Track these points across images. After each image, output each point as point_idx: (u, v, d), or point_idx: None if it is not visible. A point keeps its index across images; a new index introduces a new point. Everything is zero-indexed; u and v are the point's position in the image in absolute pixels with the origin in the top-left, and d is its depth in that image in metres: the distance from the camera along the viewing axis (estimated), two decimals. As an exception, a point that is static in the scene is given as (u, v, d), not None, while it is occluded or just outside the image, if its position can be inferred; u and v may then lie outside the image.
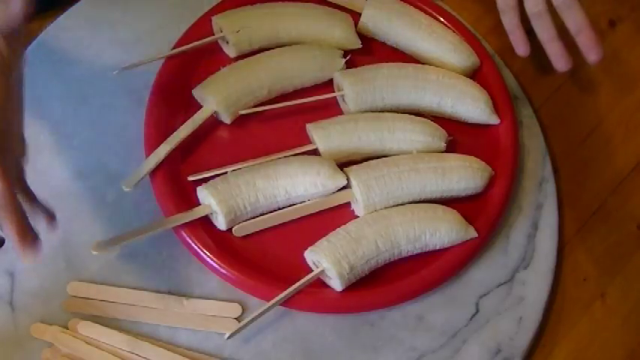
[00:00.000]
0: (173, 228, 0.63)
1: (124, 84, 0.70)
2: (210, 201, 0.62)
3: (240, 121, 0.69)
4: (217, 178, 0.64)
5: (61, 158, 0.62)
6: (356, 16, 0.75)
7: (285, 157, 0.66)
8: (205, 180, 0.64)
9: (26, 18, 0.50)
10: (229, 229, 0.64)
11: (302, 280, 0.61)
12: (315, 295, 0.62)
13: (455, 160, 0.67)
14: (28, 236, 0.50)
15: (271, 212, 0.65)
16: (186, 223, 0.63)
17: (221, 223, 0.63)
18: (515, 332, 0.64)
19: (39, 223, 0.51)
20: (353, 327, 0.63)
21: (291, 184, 0.64)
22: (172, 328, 0.61)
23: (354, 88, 0.69)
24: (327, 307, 0.63)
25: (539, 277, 0.67)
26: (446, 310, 0.64)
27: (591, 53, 0.66)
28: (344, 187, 0.66)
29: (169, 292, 0.62)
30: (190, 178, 0.65)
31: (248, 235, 0.64)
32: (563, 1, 0.66)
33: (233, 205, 0.62)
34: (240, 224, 0.64)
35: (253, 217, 0.64)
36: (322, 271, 0.61)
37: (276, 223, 0.65)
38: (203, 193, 0.63)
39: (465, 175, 0.66)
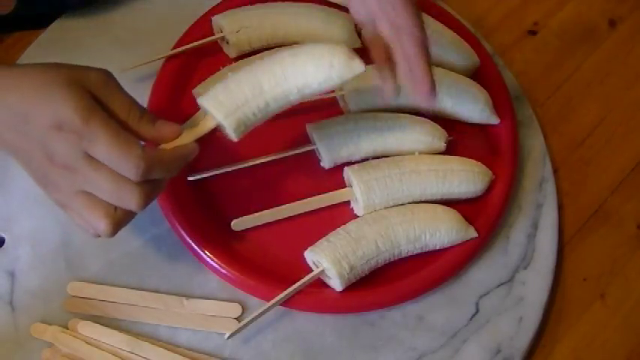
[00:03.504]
0: (173, 227, 0.63)
1: (125, 84, 0.70)
2: (216, 114, 0.56)
3: (240, 121, 0.69)
4: (217, 86, 0.57)
5: (61, 158, 0.62)
6: (356, 16, 0.75)
7: (290, 49, 0.58)
8: (205, 179, 0.64)
9: None
10: (229, 229, 0.63)
11: (302, 280, 0.61)
12: (315, 295, 0.62)
13: (456, 163, 0.67)
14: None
15: (273, 207, 0.64)
16: (186, 222, 0.63)
17: (231, 134, 0.57)
18: (515, 332, 0.64)
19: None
20: (353, 327, 0.63)
21: (303, 81, 0.56)
22: (172, 328, 0.61)
23: (353, 88, 0.69)
24: (327, 307, 0.63)
25: (539, 277, 0.67)
26: (446, 310, 0.64)
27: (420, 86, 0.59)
28: (343, 187, 0.66)
29: (169, 292, 0.62)
30: (190, 178, 0.65)
31: (248, 235, 0.64)
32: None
33: (240, 116, 0.56)
34: (239, 219, 0.63)
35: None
36: (322, 271, 0.61)
37: (275, 219, 0.65)
38: (204, 106, 0.57)
39: (465, 178, 0.66)
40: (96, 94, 0.52)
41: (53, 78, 0.51)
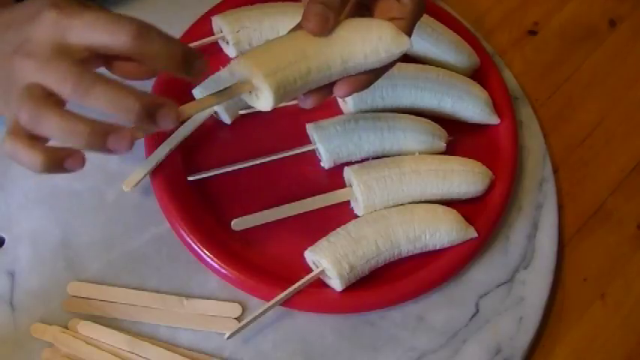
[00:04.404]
0: (173, 227, 0.64)
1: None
2: (256, 73, 0.51)
3: (240, 121, 0.69)
4: (255, 50, 0.53)
5: (61, 158, 0.62)
6: (356, 16, 0.75)
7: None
8: (205, 179, 0.64)
9: None
10: (229, 229, 0.63)
11: (302, 280, 0.61)
12: (315, 295, 0.62)
13: (457, 163, 0.67)
14: None
15: (273, 207, 0.64)
16: (186, 222, 0.63)
17: (267, 99, 0.52)
18: (515, 332, 0.64)
19: None
20: (353, 327, 0.63)
21: (348, 51, 0.53)
22: (172, 328, 0.61)
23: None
24: (327, 307, 0.63)
25: (539, 277, 0.67)
26: (446, 310, 0.64)
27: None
28: (343, 187, 0.66)
29: (169, 292, 0.62)
30: (190, 178, 0.65)
31: (248, 234, 0.64)
32: None
33: (282, 78, 0.51)
34: (239, 219, 0.63)
35: (303, 94, 0.54)
36: (322, 271, 0.61)
37: (275, 219, 0.64)
38: (240, 65, 0.52)
39: (465, 179, 0.66)
40: None
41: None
